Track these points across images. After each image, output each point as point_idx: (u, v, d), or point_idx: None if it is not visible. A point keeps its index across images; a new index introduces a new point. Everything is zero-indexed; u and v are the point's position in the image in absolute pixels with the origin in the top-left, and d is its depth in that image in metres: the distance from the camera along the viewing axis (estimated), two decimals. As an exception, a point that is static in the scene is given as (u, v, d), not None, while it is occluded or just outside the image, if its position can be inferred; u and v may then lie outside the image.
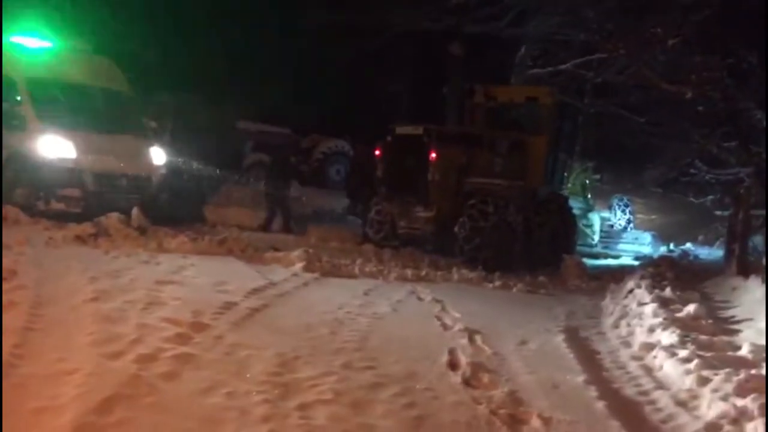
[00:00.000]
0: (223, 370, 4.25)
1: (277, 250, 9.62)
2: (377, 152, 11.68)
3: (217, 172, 13.91)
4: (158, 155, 11.40)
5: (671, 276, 9.59)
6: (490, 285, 9.41)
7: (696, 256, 16.40)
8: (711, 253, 17.05)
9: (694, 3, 12.01)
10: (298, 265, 8.54)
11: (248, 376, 4.20)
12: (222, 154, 14.73)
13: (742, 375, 4.64)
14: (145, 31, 16.68)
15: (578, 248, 14.73)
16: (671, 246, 18.49)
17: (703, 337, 5.84)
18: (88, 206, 10.16)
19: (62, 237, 8.66)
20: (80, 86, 10.70)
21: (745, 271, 8.64)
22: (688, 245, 18.82)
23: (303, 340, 5.18)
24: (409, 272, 9.37)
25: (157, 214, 10.24)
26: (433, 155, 10.92)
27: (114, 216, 9.25)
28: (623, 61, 14.39)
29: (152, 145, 11.42)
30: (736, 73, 12.80)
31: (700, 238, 20.55)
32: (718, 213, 18.62)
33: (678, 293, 7.78)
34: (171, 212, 11.17)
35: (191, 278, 7.01)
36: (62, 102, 10.35)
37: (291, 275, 8.04)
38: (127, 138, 10.99)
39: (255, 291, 6.69)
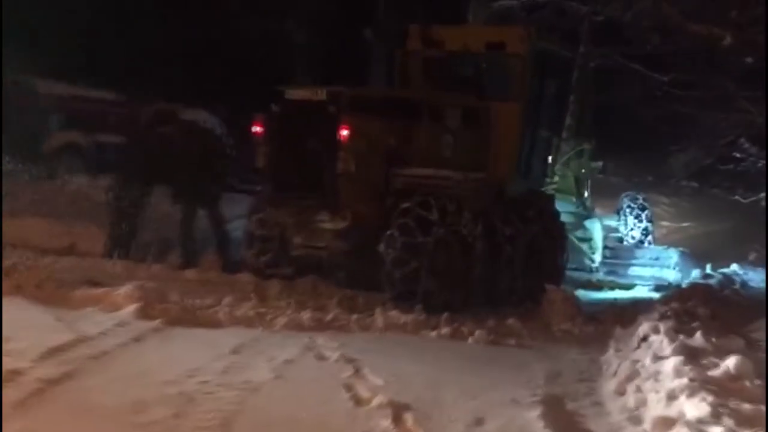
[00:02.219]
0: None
1: (95, 284, 9.46)
2: (257, 129, 11.54)
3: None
4: None
5: (705, 314, 9.80)
6: (433, 333, 9.45)
7: (744, 284, 16.88)
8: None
9: None
10: (128, 309, 8.45)
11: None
12: (10, 133, 14.34)
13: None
14: None
15: (570, 274, 14.96)
16: (708, 269, 18.97)
17: (747, 407, 5.94)
18: None
19: None
20: None
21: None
22: (734, 267, 19.34)
23: (128, 429, 5.11)
24: (306, 316, 9.34)
25: None
26: (345, 133, 10.86)
27: None
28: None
29: None
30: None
31: (752, 256, 21.19)
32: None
33: (714, 340, 7.93)
34: None
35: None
36: None
37: (115, 325, 7.91)
38: None
39: (55, 351, 6.61)
